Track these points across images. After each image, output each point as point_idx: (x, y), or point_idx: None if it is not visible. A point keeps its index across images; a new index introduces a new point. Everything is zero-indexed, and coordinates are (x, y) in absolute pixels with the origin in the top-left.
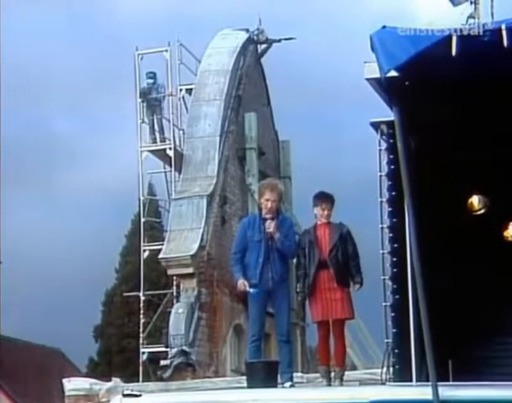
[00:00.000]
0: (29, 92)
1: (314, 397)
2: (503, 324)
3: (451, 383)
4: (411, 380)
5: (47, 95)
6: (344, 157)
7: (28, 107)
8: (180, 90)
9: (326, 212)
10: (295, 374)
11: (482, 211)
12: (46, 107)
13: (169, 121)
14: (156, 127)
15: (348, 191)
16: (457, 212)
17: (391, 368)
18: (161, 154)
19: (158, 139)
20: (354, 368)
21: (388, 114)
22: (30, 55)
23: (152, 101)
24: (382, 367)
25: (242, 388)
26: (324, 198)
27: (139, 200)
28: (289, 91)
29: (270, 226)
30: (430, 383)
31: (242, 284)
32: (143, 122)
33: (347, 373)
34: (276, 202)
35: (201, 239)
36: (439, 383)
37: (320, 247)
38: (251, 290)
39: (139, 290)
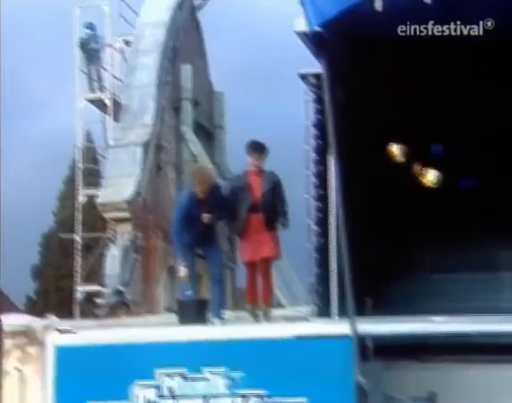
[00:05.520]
0: None
1: (242, 334)
2: (417, 263)
3: (368, 318)
4: (332, 317)
5: None
6: (276, 107)
7: None
8: (119, 41)
9: (258, 161)
10: (224, 313)
11: (402, 159)
12: None
13: (107, 71)
14: (94, 77)
15: (279, 140)
16: (379, 161)
17: (314, 306)
18: (99, 103)
19: (96, 89)
20: (281, 306)
21: (318, 66)
22: None
23: (90, 51)
24: (306, 305)
25: (174, 325)
26: (257, 148)
27: (77, 147)
28: (224, 43)
29: (205, 218)
30: (349, 319)
31: (183, 272)
32: (81, 71)
33: (273, 311)
34: (207, 188)
35: (137, 186)
36: (357, 318)
37: (252, 193)
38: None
39: (76, 233)
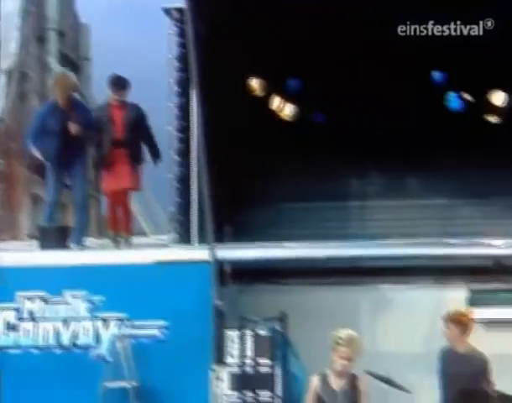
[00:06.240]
0: None
1: (103, 260)
2: (271, 193)
3: (226, 244)
4: (192, 244)
5: None
6: (142, 40)
7: None
8: None
9: (120, 97)
10: (87, 239)
11: (261, 93)
12: None
13: None
14: None
15: (144, 72)
16: (239, 94)
17: (175, 234)
18: None
19: None
20: (143, 234)
21: (181, 1)
22: None
23: None
24: (167, 233)
25: (35, 250)
26: (118, 83)
27: None
28: None
29: (71, 128)
30: (208, 245)
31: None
32: None
33: (136, 239)
34: (67, 95)
35: (0, 113)
36: (216, 245)
37: (116, 126)
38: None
39: None
